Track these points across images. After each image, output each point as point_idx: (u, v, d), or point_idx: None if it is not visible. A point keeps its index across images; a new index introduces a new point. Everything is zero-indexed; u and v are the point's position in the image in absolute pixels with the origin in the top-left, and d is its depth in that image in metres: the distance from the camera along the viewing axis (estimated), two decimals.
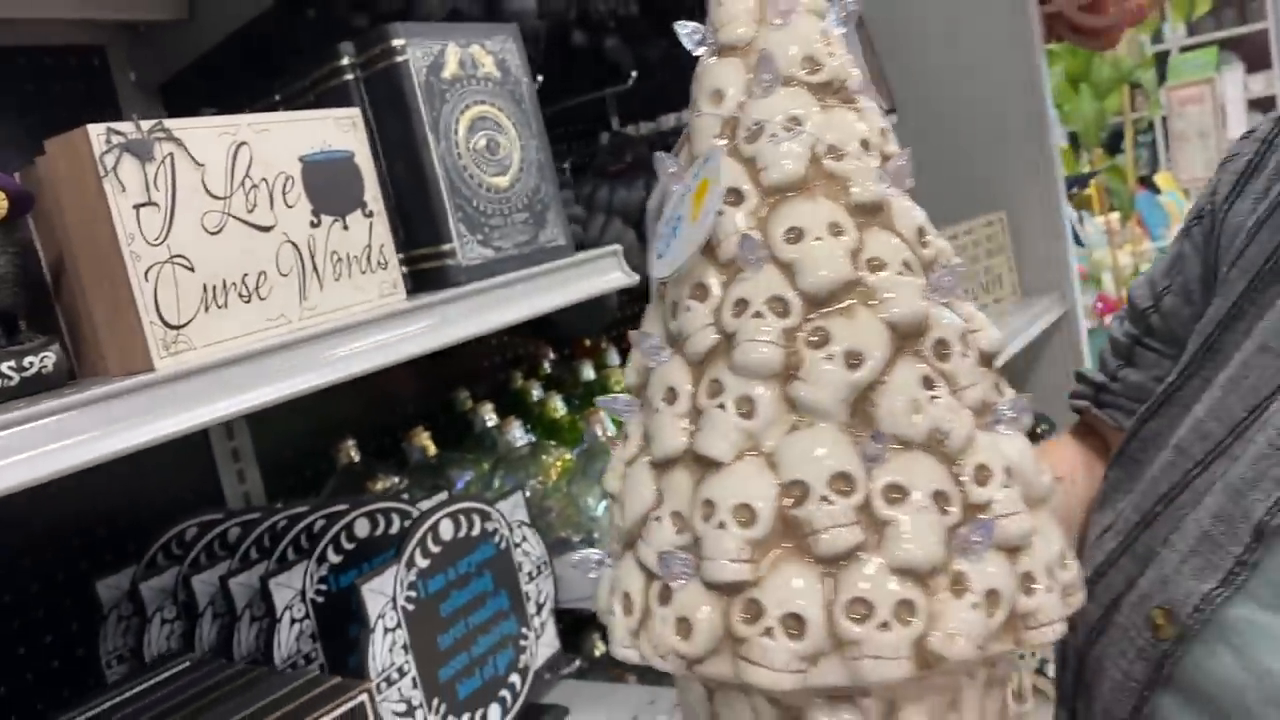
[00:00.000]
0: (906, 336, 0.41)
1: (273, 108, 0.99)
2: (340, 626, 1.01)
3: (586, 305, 1.02)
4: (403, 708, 0.96)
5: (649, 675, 1.21)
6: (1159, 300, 0.69)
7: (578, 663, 1.29)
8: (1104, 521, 0.62)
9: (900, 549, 0.39)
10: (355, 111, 0.86)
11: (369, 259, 0.86)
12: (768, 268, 0.41)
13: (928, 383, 0.40)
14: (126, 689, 0.94)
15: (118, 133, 0.69)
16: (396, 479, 1.32)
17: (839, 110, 0.44)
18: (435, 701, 0.99)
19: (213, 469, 1.36)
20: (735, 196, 0.43)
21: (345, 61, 0.93)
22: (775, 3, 0.44)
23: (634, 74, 1.54)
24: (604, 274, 1.03)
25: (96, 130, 0.68)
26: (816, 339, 0.40)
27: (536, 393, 1.49)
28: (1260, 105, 6.20)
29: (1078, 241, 2.77)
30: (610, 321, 1.50)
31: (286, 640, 0.99)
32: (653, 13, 1.55)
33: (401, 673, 0.96)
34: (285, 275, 0.79)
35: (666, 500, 0.44)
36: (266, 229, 0.78)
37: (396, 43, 0.90)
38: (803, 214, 0.41)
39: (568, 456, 1.30)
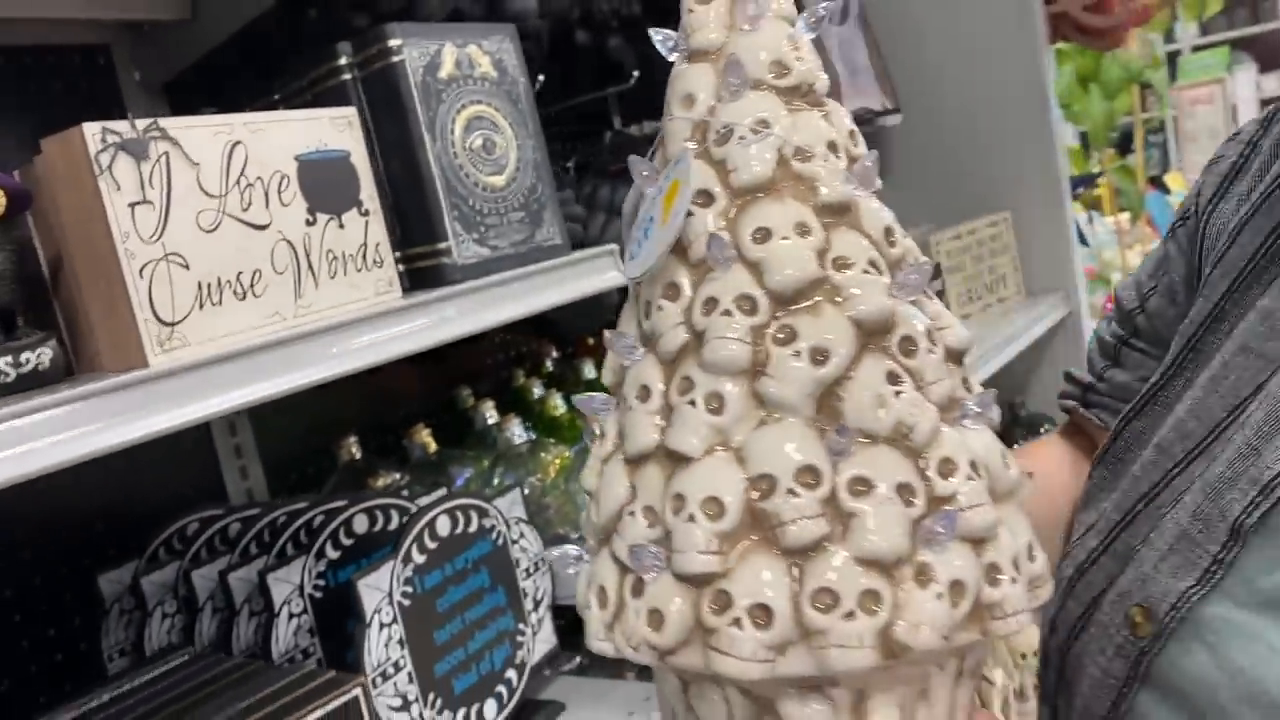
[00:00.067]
0: (872, 333, 0.41)
1: (272, 107, 1.00)
2: (338, 621, 1.02)
3: (587, 303, 1.03)
4: (398, 702, 0.97)
5: (647, 672, 1.21)
6: (1145, 301, 0.69)
7: (578, 659, 1.29)
8: (1088, 520, 0.62)
9: (865, 540, 0.39)
10: (351, 111, 0.87)
11: (365, 257, 0.87)
12: (736, 267, 0.42)
13: (893, 378, 0.41)
14: (126, 682, 0.95)
15: (113, 132, 0.70)
16: (397, 476, 1.33)
17: (807, 113, 0.44)
18: (431, 696, 1.00)
19: (215, 465, 1.38)
20: (705, 198, 0.43)
21: (343, 61, 0.94)
22: (744, 9, 0.44)
23: (636, 73, 1.55)
24: (601, 273, 1.04)
25: (92, 129, 0.69)
26: (784, 336, 0.41)
27: (537, 390, 1.50)
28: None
29: (1083, 241, 2.76)
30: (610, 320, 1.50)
31: (284, 635, 1.00)
32: (655, 12, 1.56)
33: (397, 667, 0.97)
34: (280, 273, 0.80)
35: (639, 495, 0.44)
36: (262, 227, 0.78)
37: (393, 43, 0.90)
38: (770, 214, 0.42)
39: (566, 454, 1.30)
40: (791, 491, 0.40)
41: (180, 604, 1.10)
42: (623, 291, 1.12)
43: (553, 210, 1.00)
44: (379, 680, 0.95)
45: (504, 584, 1.10)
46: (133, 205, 0.70)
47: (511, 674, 1.09)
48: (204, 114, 0.80)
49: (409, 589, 1.00)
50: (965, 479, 0.41)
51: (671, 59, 0.46)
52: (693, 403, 0.42)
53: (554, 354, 1.67)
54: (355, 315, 0.82)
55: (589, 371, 1.55)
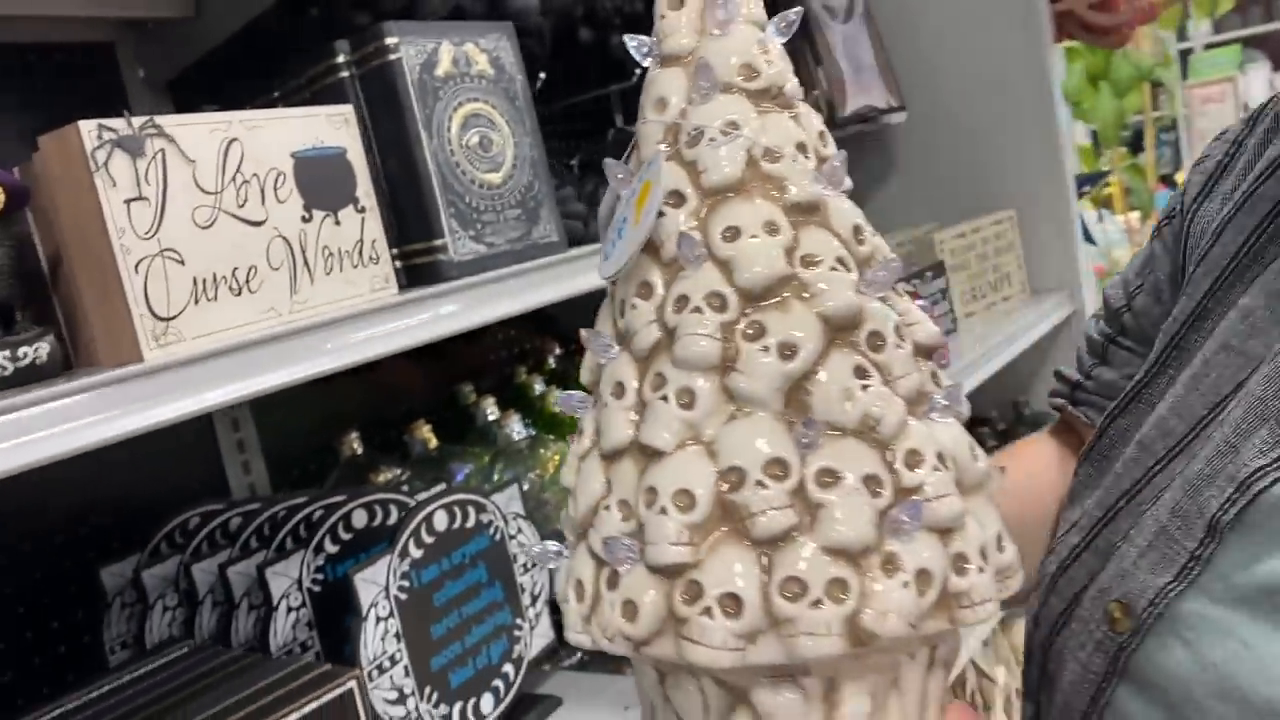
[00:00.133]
0: (840, 329, 0.42)
1: (272, 104, 1.01)
2: (336, 615, 1.03)
3: (590, 300, 1.03)
4: (394, 695, 0.97)
5: None
6: (1131, 299, 0.70)
7: (578, 654, 1.30)
8: (1072, 517, 0.63)
9: (833, 530, 0.40)
10: (348, 108, 0.88)
11: (361, 254, 0.87)
12: (706, 265, 0.42)
13: (860, 372, 0.41)
14: (125, 673, 0.96)
15: (109, 129, 0.71)
16: (398, 471, 1.34)
17: (776, 115, 0.45)
18: (427, 690, 1.01)
19: (218, 460, 1.39)
20: (677, 198, 0.44)
21: (340, 60, 0.94)
22: (714, 14, 0.45)
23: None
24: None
25: (88, 126, 0.70)
26: (753, 332, 0.42)
27: (539, 387, 1.50)
28: None
29: (1089, 240, 2.76)
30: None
31: (282, 628, 1.01)
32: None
33: (393, 661, 0.98)
34: (276, 269, 0.80)
35: (614, 490, 0.45)
36: (258, 224, 0.79)
37: (390, 41, 0.91)
38: (740, 214, 0.43)
39: (566, 450, 1.31)
40: (760, 483, 0.41)
41: (181, 597, 1.11)
42: None
43: (549, 208, 1.01)
44: (375, 673, 0.96)
45: (501, 579, 1.10)
46: (128, 201, 0.71)
47: (509, 668, 1.10)
48: (205, 111, 0.81)
49: (406, 583, 1.00)
50: (932, 470, 0.41)
51: (646, 64, 0.47)
52: (665, 398, 0.43)
53: (556, 351, 1.68)
54: (350, 311, 0.83)
55: None
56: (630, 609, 0.43)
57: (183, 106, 1.31)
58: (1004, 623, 1.93)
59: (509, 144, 0.99)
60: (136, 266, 0.71)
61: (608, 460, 0.46)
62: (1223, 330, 0.57)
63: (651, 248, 0.44)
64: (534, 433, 1.36)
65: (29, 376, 0.72)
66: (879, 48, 2.08)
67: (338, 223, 0.85)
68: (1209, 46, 6.71)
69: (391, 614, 0.98)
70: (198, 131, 0.76)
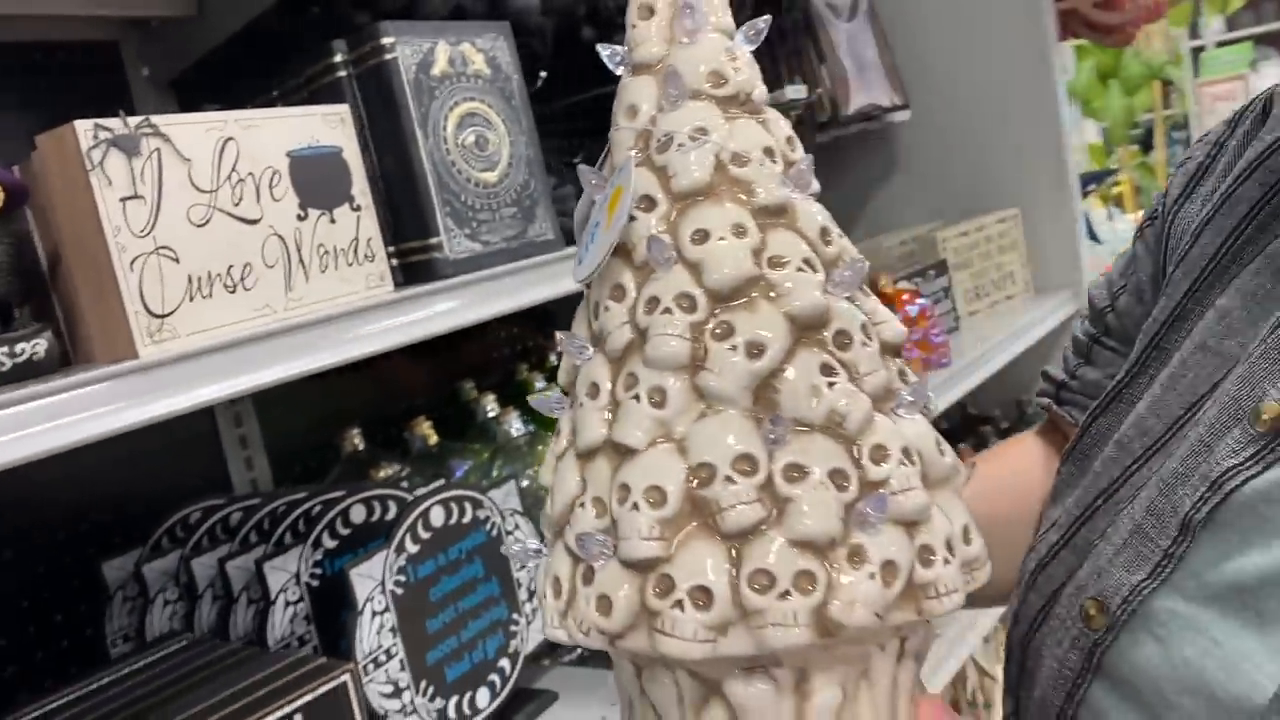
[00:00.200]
0: (807, 328, 0.43)
1: (271, 104, 1.02)
2: (333, 609, 1.04)
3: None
4: (389, 689, 0.98)
5: None
6: (1115, 300, 0.70)
7: (578, 650, 1.31)
8: (1053, 516, 0.63)
9: (800, 523, 0.41)
10: (343, 108, 0.88)
11: (356, 252, 0.88)
12: (676, 268, 0.43)
13: (827, 370, 0.42)
14: (124, 666, 0.97)
15: (105, 128, 0.72)
16: (399, 467, 1.35)
17: (743, 121, 0.46)
18: (423, 684, 1.02)
19: (221, 456, 1.40)
20: (648, 203, 0.45)
21: (338, 59, 0.95)
22: (683, 23, 0.46)
23: None
24: None
25: (84, 126, 0.71)
26: (721, 332, 0.42)
27: (540, 384, 1.51)
28: None
29: (1093, 238, 2.75)
30: None
31: (280, 622, 1.02)
32: None
33: (389, 655, 0.99)
34: (271, 267, 0.81)
35: (589, 488, 0.46)
36: (253, 222, 0.80)
37: (386, 41, 0.92)
38: (709, 217, 0.44)
39: None
40: (729, 479, 0.42)
41: (181, 591, 1.12)
42: None
43: (545, 206, 1.02)
44: (371, 667, 0.97)
45: (498, 574, 1.11)
46: (124, 200, 0.72)
47: (505, 663, 1.11)
48: (207, 110, 0.82)
49: (402, 578, 1.01)
50: (897, 465, 0.42)
51: (618, 73, 0.48)
52: (637, 397, 0.44)
53: (557, 348, 1.68)
54: (345, 308, 0.84)
55: None
56: (605, 603, 0.44)
57: (186, 105, 1.32)
58: (1005, 621, 1.93)
59: (505, 143, 1.00)
60: (132, 264, 0.72)
61: (583, 459, 0.47)
62: (1200, 331, 0.57)
63: (624, 251, 0.45)
64: (533, 429, 1.37)
65: (26, 372, 0.73)
66: (883, 46, 2.09)
67: (333, 221, 0.86)
68: (1221, 44, 6.68)
69: (387, 609, 0.99)
70: (193, 131, 0.77)
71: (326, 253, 0.86)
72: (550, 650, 1.26)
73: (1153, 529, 0.53)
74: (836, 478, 0.42)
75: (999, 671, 1.85)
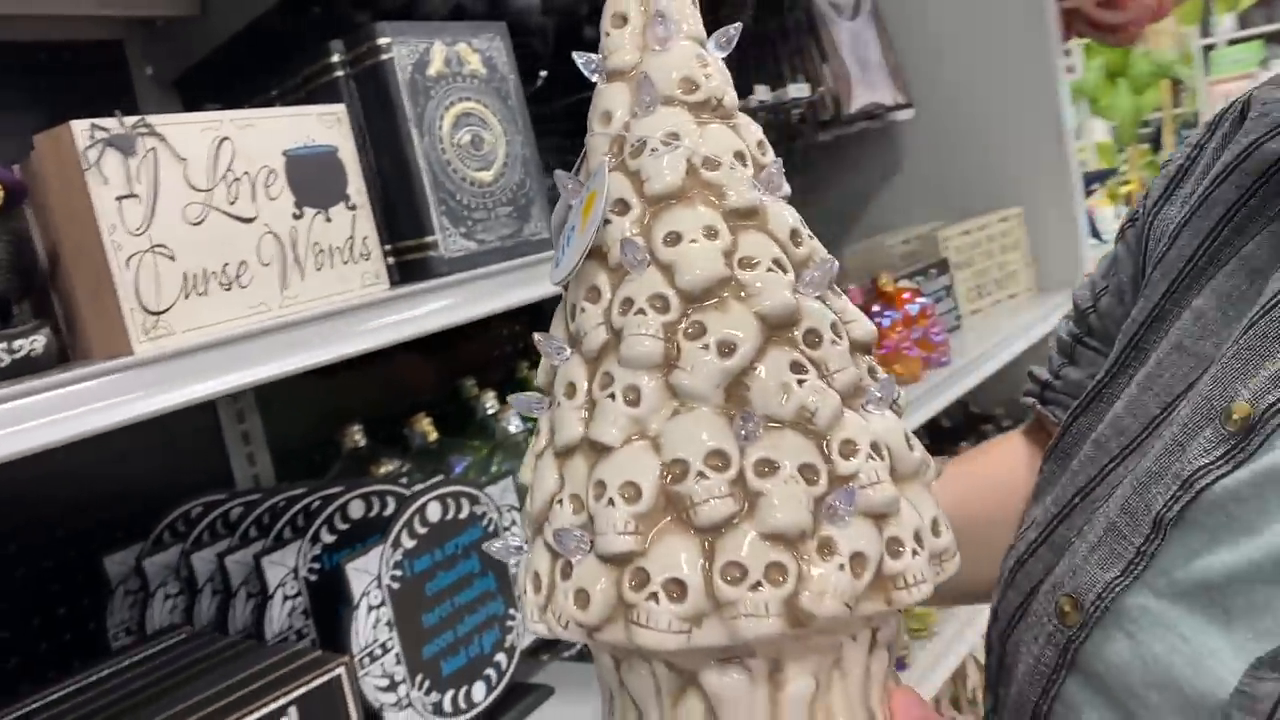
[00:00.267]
0: (777, 327, 0.44)
1: (269, 103, 1.03)
2: (331, 604, 1.05)
3: None
4: (385, 682, 0.99)
5: None
6: (1097, 300, 0.71)
7: (576, 645, 1.32)
8: (1034, 514, 0.64)
9: (771, 517, 0.42)
10: (339, 108, 0.89)
11: (352, 250, 0.89)
12: (650, 269, 0.44)
13: (797, 367, 0.43)
14: (123, 659, 0.99)
15: (101, 128, 0.73)
16: (399, 463, 1.36)
17: (715, 126, 0.47)
18: (419, 677, 1.03)
19: (223, 452, 1.41)
20: (621, 206, 0.46)
21: (335, 59, 0.96)
22: (655, 31, 0.47)
23: None
24: None
25: (80, 126, 0.72)
26: (693, 331, 0.43)
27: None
28: None
29: (1097, 237, 2.75)
30: None
31: (279, 616, 1.03)
32: None
33: (385, 649, 1.00)
34: (267, 265, 0.82)
35: (567, 485, 0.47)
36: (248, 220, 0.81)
37: (382, 41, 0.93)
38: (681, 219, 0.45)
39: None
40: (702, 474, 0.43)
41: (182, 585, 1.14)
42: None
43: (541, 205, 1.02)
44: (366, 661, 0.98)
45: (495, 569, 1.12)
46: (120, 199, 0.73)
47: (501, 657, 1.12)
48: (208, 109, 0.83)
49: (398, 573, 1.02)
50: (866, 459, 0.43)
51: (594, 80, 0.49)
52: (612, 396, 0.45)
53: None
54: (340, 306, 0.85)
55: None
56: (582, 597, 0.45)
57: (190, 104, 1.33)
58: None
59: (501, 142, 1.00)
60: (127, 262, 0.73)
61: (561, 457, 0.48)
62: (1176, 331, 0.58)
63: (599, 254, 0.46)
64: (531, 426, 1.38)
65: (25, 368, 0.74)
66: (886, 45, 2.09)
67: (329, 220, 0.87)
68: (1233, 42, 6.66)
69: (383, 603, 1.01)
70: (189, 130, 0.78)
71: (322, 251, 0.87)
72: (548, 645, 1.27)
73: (1126, 527, 0.54)
74: (806, 472, 0.43)
75: None
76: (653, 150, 0.46)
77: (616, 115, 0.48)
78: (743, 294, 0.44)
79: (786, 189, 0.47)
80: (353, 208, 0.90)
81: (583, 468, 0.46)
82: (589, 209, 0.46)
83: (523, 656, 1.15)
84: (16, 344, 0.74)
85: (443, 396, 1.61)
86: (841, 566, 0.42)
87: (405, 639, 1.02)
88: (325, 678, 0.86)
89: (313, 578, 1.06)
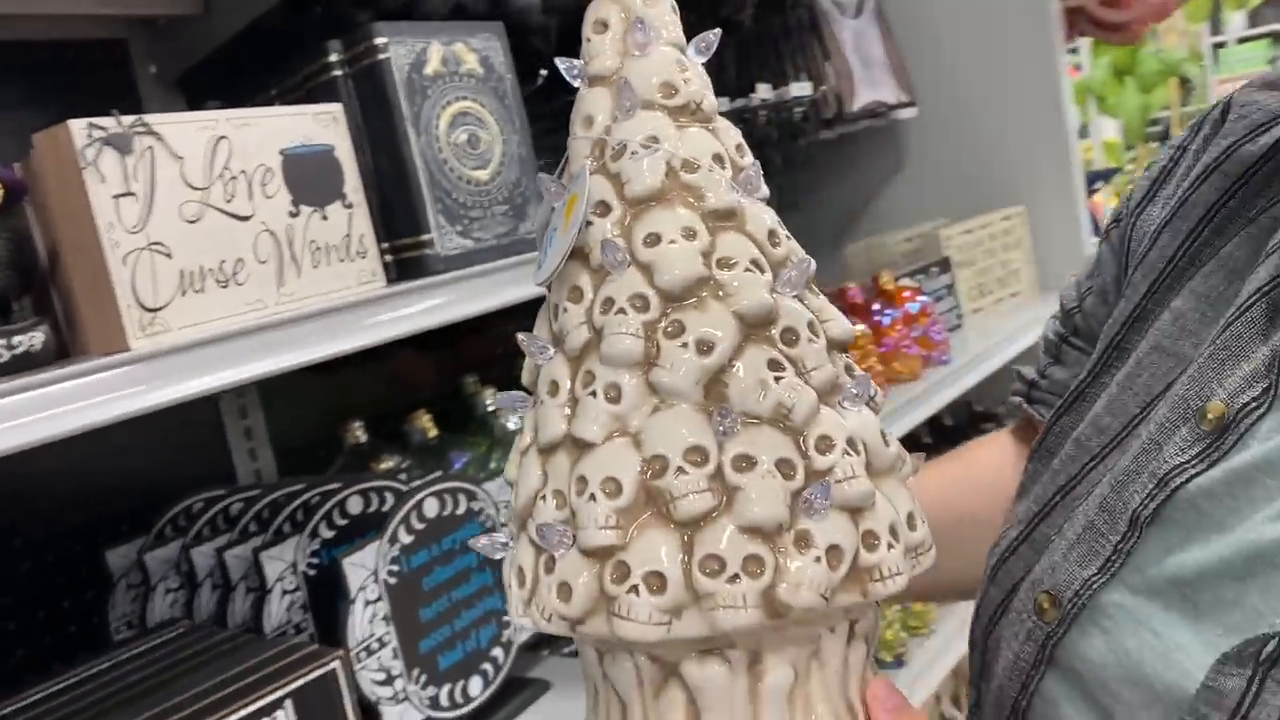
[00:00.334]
0: (755, 325, 0.44)
1: (269, 102, 1.04)
2: (329, 598, 1.06)
3: None
4: (382, 676, 1.00)
5: None
6: (1082, 301, 0.71)
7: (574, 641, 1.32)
8: (1017, 512, 0.64)
9: (748, 511, 0.43)
10: (336, 107, 0.90)
11: (348, 248, 0.90)
12: (630, 270, 0.45)
13: (774, 365, 0.44)
14: (123, 652, 1.00)
15: (99, 127, 0.74)
16: (399, 459, 1.37)
17: (694, 129, 0.48)
18: (415, 672, 1.04)
19: (226, 448, 1.42)
20: (602, 208, 0.47)
21: (333, 59, 0.97)
22: (635, 37, 0.48)
23: None
24: None
25: (78, 125, 0.73)
26: (673, 330, 0.44)
27: None
28: None
29: (1099, 235, 2.75)
30: None
31: (277, 610, 1.04)
32: None
33: (382, 643, 1.01)
34: (263, 263, 0.83)
35: (550, 481, 0.48)
36: (245, 218, 0.82)
37: (379, 41, 0.94)
38: (660, 221, 0.46)
39: None
40: (681, 469, 0.44)
41: (182, 579, 1.15)
42: None
43: (536, 204, 1.03)
44: (363, 655, 0.99)
45: (492, 565, 1.13)
46: (117, 197, 0.74)
47: (498, 652, 1.13)
48: (209, 108, 0.84)
49: (395, 567, 1.03)
50: (842, 454, 0.44)
51: (576, 85, 0.50)
52: (594, 394, 0.46)
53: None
54: (336, 304, 0.86)
55: None
56: (565, 590, 0.45)
57: (193, 103, 1.34)
58: None
59: (497, 142, 1.01)
60: (124, 259, 0.74)
61: (545, 454, 0.49)
62: (1156, 332, 0.59)
63: (581, 255, 0.47)
64: None
65: (24, 364, 0.75)
66: (889, 43, 2.09)
67: (325, 218, 0.88)
68: (1243, 40, 6.64)
69: (380, 598, 1.01)
70: (186, 130, 0.79)
71: (319, 249, 0.87)
72: (545, 640, 1.28)
73: (1104, 525, 0.54)
74: (783, 467, 0.43)
75: None
76: (633, 153, 0.47)
77: (598, 119, 0.49)
78: (721, 293, 0.45)
79: (765, 191, 0.48)
80: (349, 206, 0.90)
81: (565, 464, 0.47)
82: (571, 211, 0.47)
83: (520, 651, 1.16)
84: (16, 340, 0.75)
85: (444, 393, 1.62)
86: (818, 559, 0.43)
87: (402, 633, 1.03)
88: (320, 671, 0.87)
89: (311, 572, 1.07)
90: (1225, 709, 0.43)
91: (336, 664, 0.89)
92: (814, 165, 2.16)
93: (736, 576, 0.42)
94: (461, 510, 1.11)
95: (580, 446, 0.46)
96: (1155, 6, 1.98)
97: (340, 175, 0.90)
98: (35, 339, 0.77)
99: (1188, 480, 0.51)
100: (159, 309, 0.76)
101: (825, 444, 0.44)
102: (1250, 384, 0.50)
